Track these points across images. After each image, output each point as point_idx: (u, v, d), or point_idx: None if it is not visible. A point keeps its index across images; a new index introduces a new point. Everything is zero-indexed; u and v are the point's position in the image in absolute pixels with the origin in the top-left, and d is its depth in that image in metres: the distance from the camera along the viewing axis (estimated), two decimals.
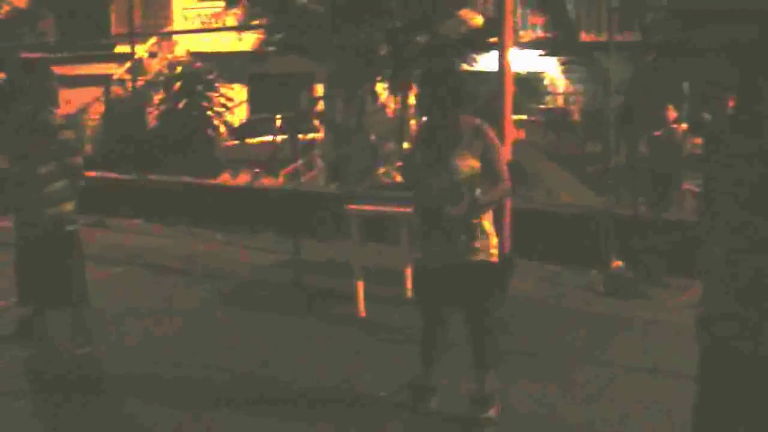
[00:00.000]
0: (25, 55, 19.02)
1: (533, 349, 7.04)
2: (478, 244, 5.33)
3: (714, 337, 3.71)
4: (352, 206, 7.87)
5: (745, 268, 3.54)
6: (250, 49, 17.90)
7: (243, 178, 16.52)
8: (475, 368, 5.56)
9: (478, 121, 5.36)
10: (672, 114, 12.49)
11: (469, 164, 5.22)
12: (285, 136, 17.82)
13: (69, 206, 6.83)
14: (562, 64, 20.58)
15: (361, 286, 7.90)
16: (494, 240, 5.43)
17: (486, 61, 17.48)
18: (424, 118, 5.56)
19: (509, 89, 8.71)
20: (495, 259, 5.44)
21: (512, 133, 8.84)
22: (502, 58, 8.78)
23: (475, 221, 5.30)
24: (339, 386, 6.28)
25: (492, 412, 5.50)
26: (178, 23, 23.56)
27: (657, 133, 12.63)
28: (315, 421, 5.69)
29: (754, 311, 3.54)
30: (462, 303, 5.52)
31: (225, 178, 16.39)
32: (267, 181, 15.81)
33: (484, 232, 5.35)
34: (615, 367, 6.63)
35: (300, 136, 18.75)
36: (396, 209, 7.60)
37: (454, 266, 5.37)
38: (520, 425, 5.55)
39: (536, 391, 6.15)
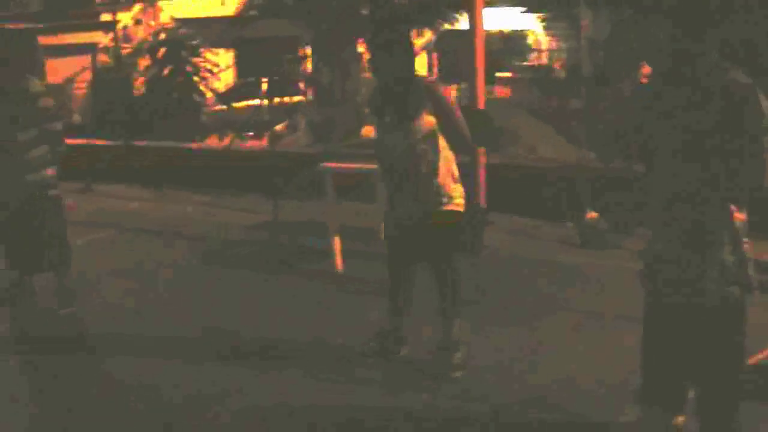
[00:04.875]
0: (9, 25, 19.06)
1: (505, 297, 7.23)
2: (446, 196, 5.54)
3: (658, 282, 3.89)
4: (327, 164, 8.05)
5: (684, 213, 3.72)
6: (233, 14, 17.97)
7: (228, 142, 16.65)
8: (442, 316, 5.77)
9: (430, 79, 5.59)
10: (646, 69, 12.57)
11: (428, 121, 5.41)
12: (275, 99, 17.92)
13: (50, 171, 6.97)
14: (542, 20, 20.62)
15: (337, 241, 8.09)
16: (461, 189, 5.65)
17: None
18: (379, 82, 5.72)
19: (481, 47, 8.85)
20: (462, 208, 5.66)
21: (483, 91, 8.97)
22: (474, 17, 8.92)
23: (443, 172, 5.50)
24: (316, 338, 6.46)
25: (459, 359, 5.70)
26: None
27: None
28: (290, 370, 5.88)
29: (694, 256, 3.72)
30: (429, 253, 5.74)
31: (212, 141, 16.53)
32: (251, 144, 15.95)
33: (455, 179, 5.57)
34: (585, 314, 6.79)
35: (286, 98, 18.89)
36: (370, 166, 7.77)
37: (424, 216, 5.57)
38: (488, 371, 5.73)
39: (505, 337, 6.34)
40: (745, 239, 3.74)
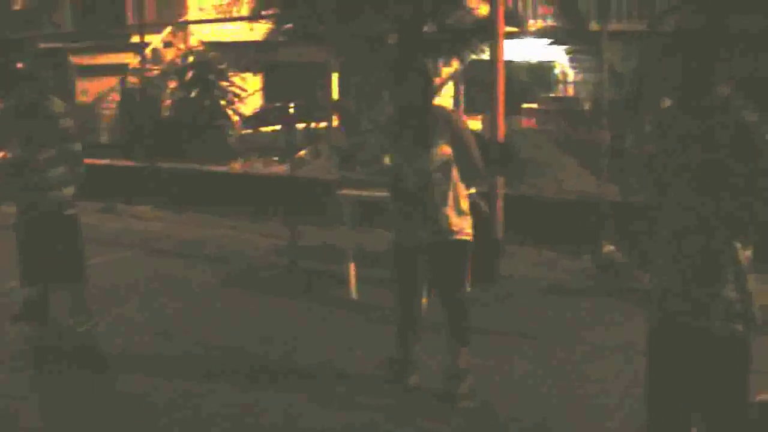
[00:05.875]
0: (42, 45, 19.27)
1: (519, 328, 7.26)
2: (455, 225, 5.58)
3: (663, 314, 3.90)
4: (345, 191, 8.10)
5: (692, 247, 3.73)
6: (261, 39, 18.08)
7: (255, 166, 16.74)
8: (449, 344, 5.80)
9: (449, 109, 5.65)
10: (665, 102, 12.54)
11: (444, 151, 5.46)
12: (300, 125, 18.02)
13: (68, 191, 7.05)
14: (567, 53, 20.63)
15: (353, 268, 8.13)
16: (470, 220, 5.70)
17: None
18: (395, 109, 5.77)
19: (501, 78, 8.89)
20: (471, 237, 5.70)
21: (503, 121, 8.99)
22: (495, 47, 8.98)
23: (453, 202, 5.55)
24: (326, 363, 6.51)
25: (466, 388, 5.72)
26: (193, 13, 23.75)
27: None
28: (300, 395, 5.92)
29: (701, 288, 3.73)
30: (438, 280, 5.78)
31: (236, 165, 16.63)
32: (273, 168, 16.03)
33: (461, 212, 5.61)
34: (598, 346, 6.80)
35: (312, 124, 19.00)
36: (387, 194, 7.82)
37: (432, 245, 5.62)
38: (495, 400, 5.75)
39: (517, 368, 6.38)
40: (750, 276, 3.75)
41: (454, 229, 5.58)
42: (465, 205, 5.67)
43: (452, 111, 5.70)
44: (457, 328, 5.76)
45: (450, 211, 5.56)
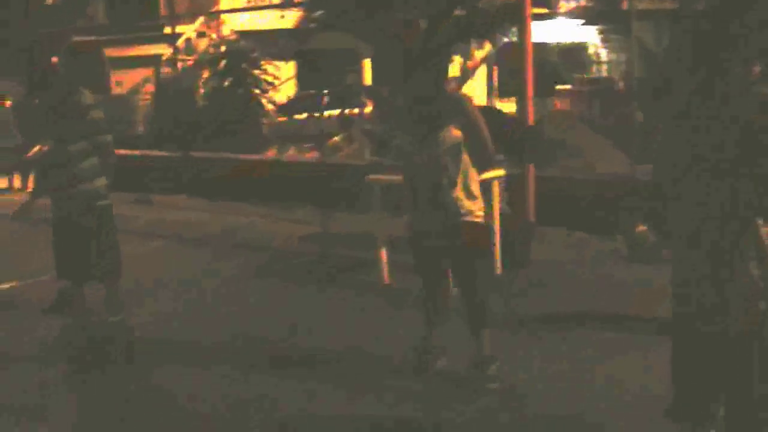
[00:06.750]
0: (76, 38, 19.39)
1: (550, 310, 7.25)
2: (464, 208, 5.59)
3: (686, 306, 3.88)
4: (375, 177, 8.12)
5: (711, 234, 3.70)
6: (292, 27, 18.13)
7: (291, 154, 16.82)
8: (471, 329, 5.81)
9: (457, 94, 5.65)
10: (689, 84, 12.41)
11: (453, 135, 5.48)
12: (334, 112, 18.04)
13: (100, 182, 7.09)
14: (601, 33, 20.55)
15: (384, 254, 8.17)
16: (480, 204, 5.70)
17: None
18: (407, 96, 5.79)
19: (529, 61, 8.87)
20: (482, 220, 5.72)
21: (531, 104, 8.97)
22: (523, 30, 8.95)
23: (462, 185, 5.56)
24: (358, 349, 6.54)
25: (493, 370, 5.74)
26: (225, 2, 23.82)
27: None
28: (330, 380, 5.97)
29: (720, 277, 3.70)
30: (452, 265, 5.81)
31: (271, 153, 16.70)
32: (306, 155, 16.11)
33: (471, 195, 5.61)
34: (630, 328, 6.74)
35: (346, 110, 19.05)
36: None
37: (444, 230, 5.64)
38: (521, 385, 5.75)
39: (547, 350, 6.36)
40: None
41: (464, 211, 5.58)
42: (476, 189, 5.67)
43: (462, 95, 5.71)
44: (475, 313, 5.78)
45: (460, 194, 5.56)
